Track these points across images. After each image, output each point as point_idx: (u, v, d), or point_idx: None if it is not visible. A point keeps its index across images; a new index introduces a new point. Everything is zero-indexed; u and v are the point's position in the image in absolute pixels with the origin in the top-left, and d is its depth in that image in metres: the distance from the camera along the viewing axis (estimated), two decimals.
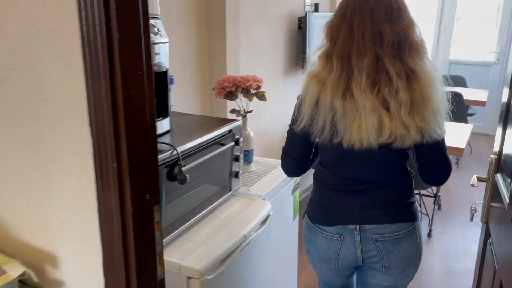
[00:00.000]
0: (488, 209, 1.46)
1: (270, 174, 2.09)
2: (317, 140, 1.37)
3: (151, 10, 1.76)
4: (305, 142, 1.41)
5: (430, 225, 3.32)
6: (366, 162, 1.36)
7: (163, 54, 1.47)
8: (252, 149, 2.09)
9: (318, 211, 1.47)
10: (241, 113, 2.06)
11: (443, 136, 1.34)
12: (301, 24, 3.29)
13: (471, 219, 1.51)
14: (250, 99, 2.00)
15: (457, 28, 6.17)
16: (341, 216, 1.40)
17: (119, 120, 0.88)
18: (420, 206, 3.58)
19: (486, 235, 1.45)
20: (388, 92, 1.23)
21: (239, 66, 2.49)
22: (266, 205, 1.74)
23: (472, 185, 1.43)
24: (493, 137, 6.10)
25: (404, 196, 1.43)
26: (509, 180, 1.22)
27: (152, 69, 0.93)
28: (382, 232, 1.37)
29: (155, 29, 1.43)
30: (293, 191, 2.18)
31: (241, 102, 2.06)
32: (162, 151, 1.33)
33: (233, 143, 1.65)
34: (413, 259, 1.43)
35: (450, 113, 1.35)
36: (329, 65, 1.28)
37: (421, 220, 3.47)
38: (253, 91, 2.03)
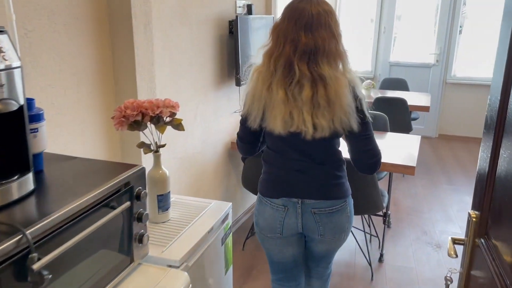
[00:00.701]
0: (467, 281, 1.12)
1: (195, 220, 1.66)
2: (251, 126, 1.57)
3: None
4: (251, 129, 1.60)
5: (381, 249, 3.03)
6: (303, 146, 1.57)
7: (15, 85, 1.00)
8: (169, 192, 1.65)
9: (267, 186, 1.68)
10: (152, 148, 1.61)
11: (362, 132, 1.52)
12: (232, 28, 2.87)
13: None
14: (162, 131, 1.56)
15: (397, 28, 6.03)
16: (286, 190, 1.63)
17: None
18: (369, 227, 3.30)
19: None
20: (296, 91, 1.46)
21: (154, 83, 2.03)
22: (182, 277, 1.30)
23: (450, 255, 1.07)
24: (435, 139, 6.04)
25: (337, 177, 1.64)
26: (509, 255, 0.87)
27: None
28: (319, 207, 1.62)
29: None
30: (224, 239, 1.76)
31: (151, 134, 1.61)
32: (7, 235, 0.86)
33: (128, 203, 1.20)
34: (343, 228, 1.68)
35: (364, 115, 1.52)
36: (263, 62, 1.54)
37: (370, 242, 3.21)
38: (166, 119, 1.59)
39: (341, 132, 1.50)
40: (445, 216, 3.69)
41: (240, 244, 3.12)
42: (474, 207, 1.11)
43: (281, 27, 1.50)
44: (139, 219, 1.28)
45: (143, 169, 1.29)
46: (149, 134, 1.60)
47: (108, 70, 1.89)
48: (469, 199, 4.01)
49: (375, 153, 1.59)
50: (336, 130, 1.48)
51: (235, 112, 3.16)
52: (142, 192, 1.27)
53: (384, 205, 2.70)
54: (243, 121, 1.62)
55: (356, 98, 1.48)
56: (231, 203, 1.82)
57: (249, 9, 3.08)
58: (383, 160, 2.68)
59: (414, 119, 4.83)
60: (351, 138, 1.56)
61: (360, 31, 6.19)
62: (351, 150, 1.61)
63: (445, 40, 5.74)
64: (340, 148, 1.65)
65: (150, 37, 1.97)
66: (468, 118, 5.93)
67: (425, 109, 4.37)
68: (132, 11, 1.84)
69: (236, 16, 2.77)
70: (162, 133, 1.55)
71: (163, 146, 1.61)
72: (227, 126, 3.07)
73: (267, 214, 1.67)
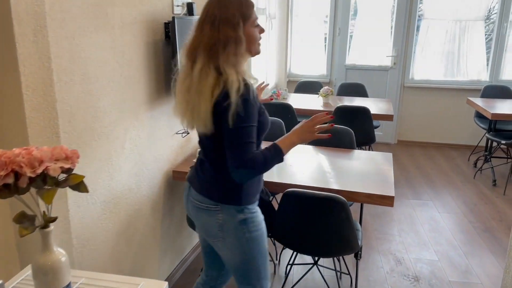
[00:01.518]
0: None
1: None
2: None
3: None
4: None
5: None
6: (200, 141, 1.69)
7: None
8: (68, 285, 1.10)
9: None
10: (38, 223, 1.05)
11: (225, 140, 1.50)
12: (169, 32, 2.33)
13: None
14: (48, 199, 0.99)
15: (353, 30, 5.69)
16: (189, 176, 1.78)
17: None
18: (338, 261, 2.86)
19: None
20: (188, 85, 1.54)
21: (55, 112, 1.46)
22: None
23: None
24: (394, 146, 5.74)
25: (212, 176, 1.64)
26: None
27: None
28: (194, 198, 1.70)
29: None
30: None
31: (37, 204, 1.05)
32: None
33: None
34: (213, 233, 1.66)
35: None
36: None
37: (341, 278, 2.79)
38: (59, 178, 1.03)
39: (206, 131, 1.54)
40: (418, 238, 3.33)
41: None
42: None
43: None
44: None
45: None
46: (32, 200, 1.04)
47: None
48: (438, 216, 3.70)
49: (239, 164, 1.46)
50: (199, 129, 1.56)
51: (176, 133, 2.61)
52: None
53: (360, 242, 2.27)
54: None
55: (226, 102, 1.44)
56: (167, 282, 1.29)
57: (190, 9, 2.55)
58: (356, 190, 2.26)
59: (375, 127, 4.49)
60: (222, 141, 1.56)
61: (313, 33, 5.80)
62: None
63: (402, 42, 5.47)
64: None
65: (45, 48, 1.40)
66: (426, 123, 5.70)
67: (388, 118, 4.03)
68: (12, 12, 1.26)
69: (173, 17, 2.23)
70: (49, 203, 1.00)
71: (53, 220, 1.05)
72: (166, 151, 2.52)
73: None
